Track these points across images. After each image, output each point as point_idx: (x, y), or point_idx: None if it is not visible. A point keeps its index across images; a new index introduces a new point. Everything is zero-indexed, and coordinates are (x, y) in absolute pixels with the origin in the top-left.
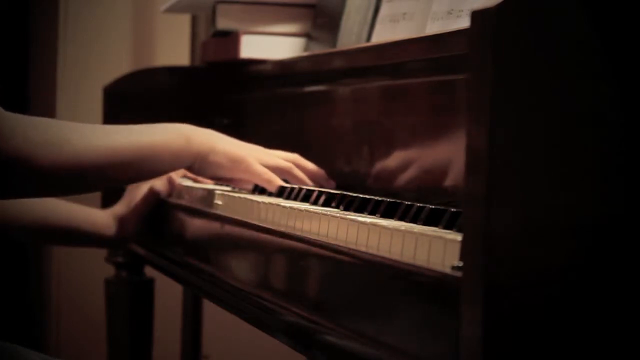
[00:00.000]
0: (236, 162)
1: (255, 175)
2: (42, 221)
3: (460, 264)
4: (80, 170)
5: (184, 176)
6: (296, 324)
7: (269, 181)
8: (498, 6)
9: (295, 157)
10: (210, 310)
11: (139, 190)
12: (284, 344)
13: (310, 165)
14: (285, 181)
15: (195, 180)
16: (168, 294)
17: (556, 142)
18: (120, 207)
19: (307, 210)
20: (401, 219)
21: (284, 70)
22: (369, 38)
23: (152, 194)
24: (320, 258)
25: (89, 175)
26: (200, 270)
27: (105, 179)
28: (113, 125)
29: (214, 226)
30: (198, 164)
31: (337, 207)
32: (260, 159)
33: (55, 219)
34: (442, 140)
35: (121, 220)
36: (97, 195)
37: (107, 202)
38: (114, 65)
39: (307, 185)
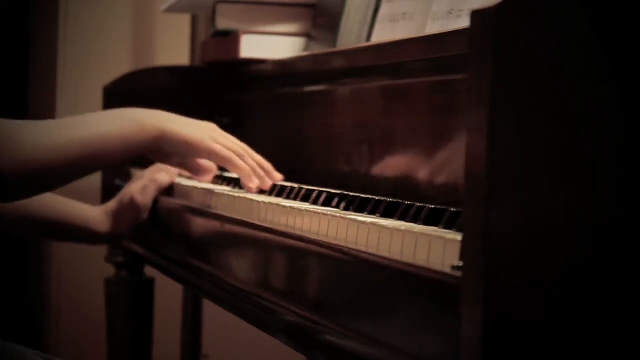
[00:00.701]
0: (193, 144)
1: (213, 154)
2: (36, 215)
3: (460, 264)
4: (34, 170)
5: (180, 175)
6: (296, 324)
7: (228, 158)
8: (498, 6)
9: (246, 147)
10: (210, 310)
11: (133, 187)
12: (284, 344)
13: (258, 157)
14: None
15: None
16: (168, 294)
17: (556, 142)
18: (113, 204)
19: (307, 210)
20: (401, 218)
21: (284, 70)
22: (369, 38)
23: (149, 185)
24: (321, 258)
25: (45, 173)
26: (200, 270)
27: (63, 175)
28: (65, 119)
29: (214, 226)
30: (153, 149)
31: (337, 206)
32: (216, 139)
33: (50, 213)
34: (442, 140)
35: (115, 217)
36: (97, 193)
37: (107, 200)
38: (114, 65)
39: (256, 174)
